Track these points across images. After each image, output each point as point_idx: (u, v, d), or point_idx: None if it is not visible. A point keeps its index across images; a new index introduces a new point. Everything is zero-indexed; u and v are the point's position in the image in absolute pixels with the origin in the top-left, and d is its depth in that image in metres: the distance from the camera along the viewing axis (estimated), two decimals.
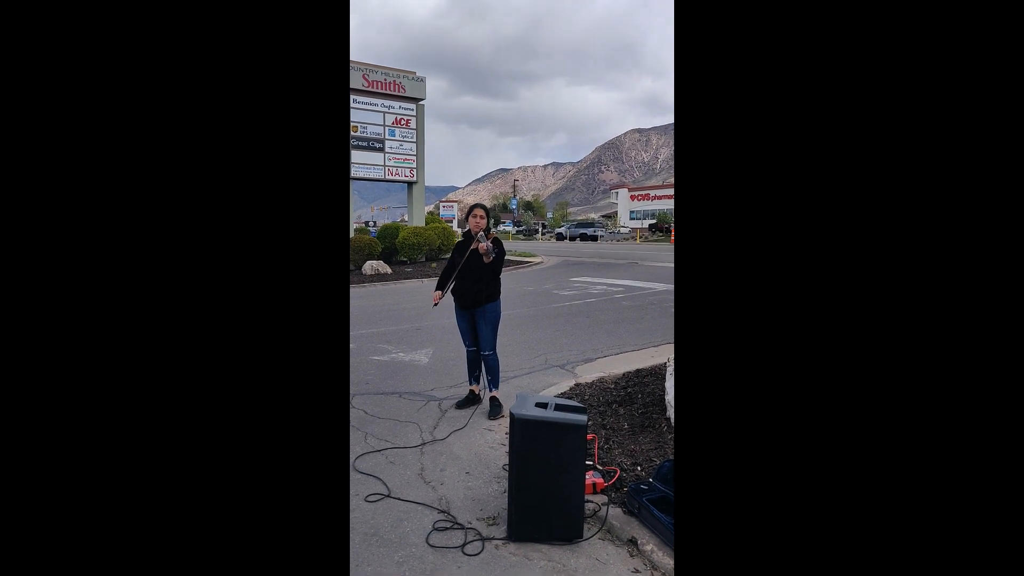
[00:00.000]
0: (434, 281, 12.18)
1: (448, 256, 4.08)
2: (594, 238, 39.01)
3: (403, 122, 17.52)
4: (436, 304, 3.92)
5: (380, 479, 2.93)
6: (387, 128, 17.23)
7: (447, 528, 2.47)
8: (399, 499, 2.73)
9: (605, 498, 2.63)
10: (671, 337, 6.45)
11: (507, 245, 23.50)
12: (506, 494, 2.53)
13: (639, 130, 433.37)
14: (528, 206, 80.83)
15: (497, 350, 3.97)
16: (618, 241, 38.70)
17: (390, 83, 17.07)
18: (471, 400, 4.07)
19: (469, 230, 3.86)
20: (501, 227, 55.55)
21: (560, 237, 41.79)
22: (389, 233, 16.49)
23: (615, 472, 2.84)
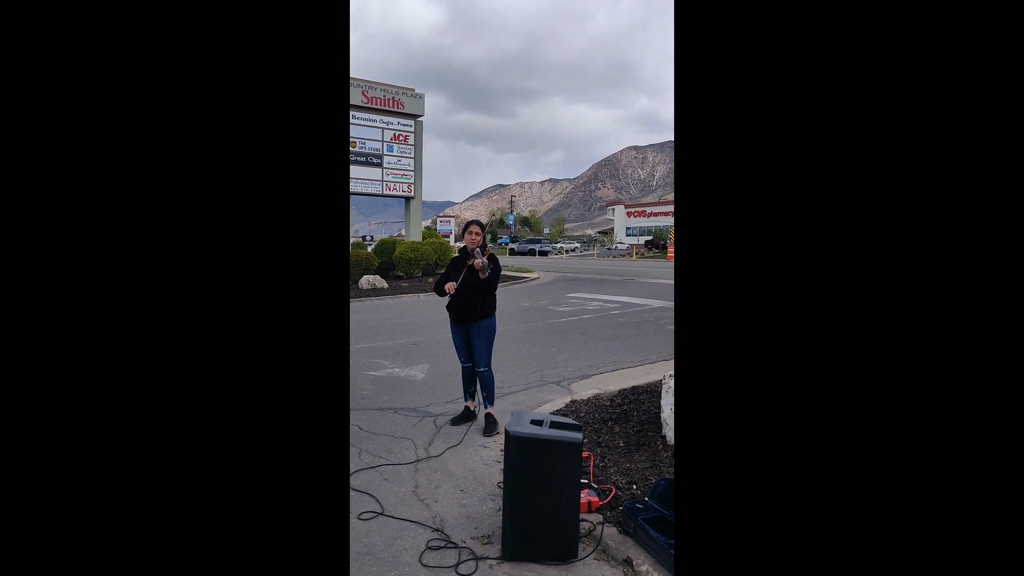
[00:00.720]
0: (431, 295, 12.18)
1: (443, 271, 4.07)
2: (544, 253, 44.55)
3: (401, 138, 17.64)
4: (451, 293, 3.82)
5: (374, 496, 2.90)
6: (385, 144, 17.34)
7: (441, 547, 2.44)
8: (393, 517, 2.70)
9: (600, 517, 2.61)
10: (667, 354, 6.45)
11: (502, 260, 23.53)
12: (501, 512, 2.51)
13: (636, 147, 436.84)
14: (525, 222, 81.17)
15: (492, 366, 3.97)
16: (615, 257, 38.92)
17: (389, 99, 17.21)
18: (466, 416, 4.05)
19: (465, 246, 3.88)
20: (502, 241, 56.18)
21: (512, 252, 47.10)
22: (386, 248, 16.51)
23: (610, 491, 2.82)
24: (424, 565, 2.31)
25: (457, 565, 2.31)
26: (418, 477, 3.17)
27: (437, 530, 2.59)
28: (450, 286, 3.81)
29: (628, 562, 2.31)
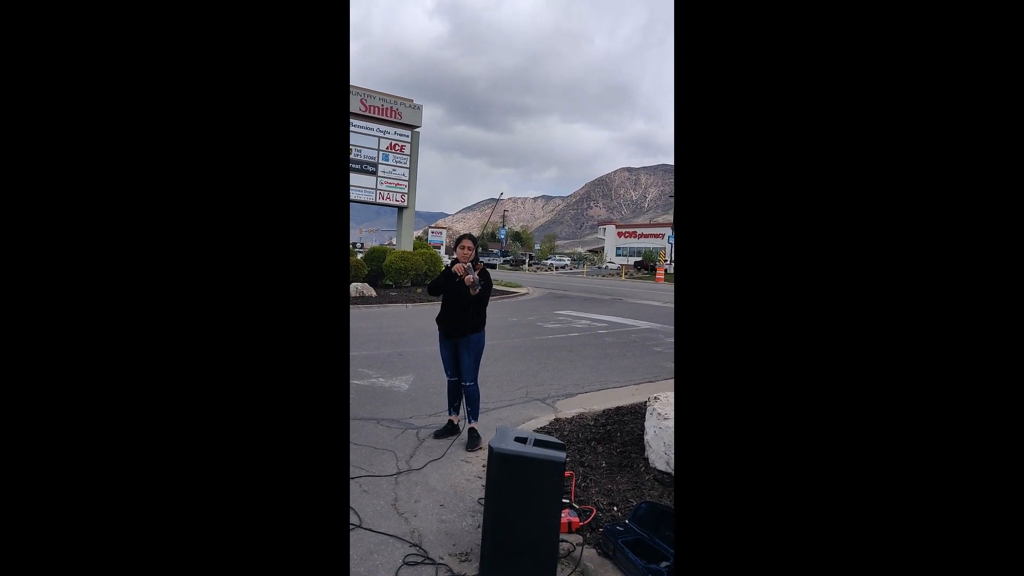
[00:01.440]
0: (420, 305, 12.13)
1: (435, 279, 4.05)
2: (491, 266, 50.11)
3: (397, 147, 17.69)
4: (461, 276, 3.69)
5: (352, 508, 2.86)
6: (381, 152, 17.37)
7: (418, 563, 2.41)
8: (370, 530, 2.67)
9: (580, 538, 2.59)
10: (652, 376, 6.47)
11: (491, 275, 23.59)
12: (480, 529, 2.49)
13: (629, 169, 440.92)
14: (517, 237, 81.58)
15: (478, 381, 3.95)
16: (604, 276, 39.12)
17: (387, 109, 17.28)
18: (450, 430, 4.02)
19: (457, 259, 3.88)
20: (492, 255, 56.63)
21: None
22: (376, 256, 16.47)
23: (591, 511, 2.81)
24: None
25: None
26: (398, 490, 3.14)
27: (415, 545, 2.56)
28: (459, 267, 3.69)
29: None
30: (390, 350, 7.16)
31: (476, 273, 3.71)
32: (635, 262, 48.11)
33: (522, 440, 2.44)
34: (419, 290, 15.16)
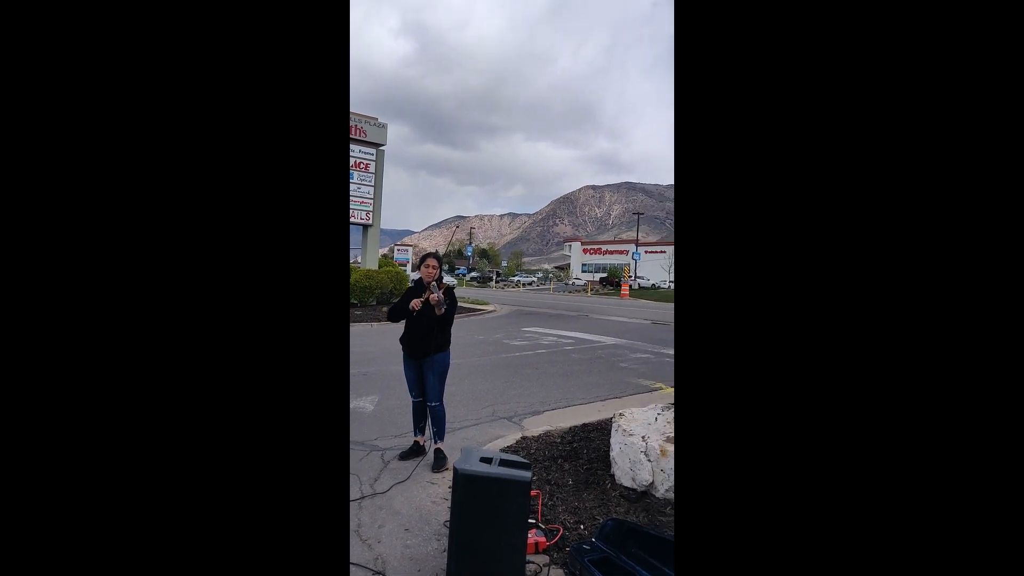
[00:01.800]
0: (384, 325, 11.97)
1: (397, 300, 4.01)
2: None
3: (362, 166, 17.59)
4: (415, 310, 3.73)
5: None
6: None
7: None
8: None
9: (547, 558, 2.58)
10: (618, 391, 6.52)
11: (459, 292, 23.45)
12: (446, 553, 2.45)
13: (593, 187, 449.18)
14: (484, 254, 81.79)
15: (444, 401, 3.92)
16: (569, 292, 39.46)
17: (351, 127, 17.20)
18: (415, 451, 3.96)
19: (421, 278, 3.86)
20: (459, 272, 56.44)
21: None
22: None
23: (558, 530, 2.80)
24: None
25: None
26: (361, 515, 3.07)
27: (379, 573, 2.49)
28: (416, 303, 3.70)
29: None
30: (355, 370, 7.03)
31: (441, 292, 3.69)
32: (600, 278, 48.72)
33: (487, 460, 2.42)
34: (384, 309, 14.98)
